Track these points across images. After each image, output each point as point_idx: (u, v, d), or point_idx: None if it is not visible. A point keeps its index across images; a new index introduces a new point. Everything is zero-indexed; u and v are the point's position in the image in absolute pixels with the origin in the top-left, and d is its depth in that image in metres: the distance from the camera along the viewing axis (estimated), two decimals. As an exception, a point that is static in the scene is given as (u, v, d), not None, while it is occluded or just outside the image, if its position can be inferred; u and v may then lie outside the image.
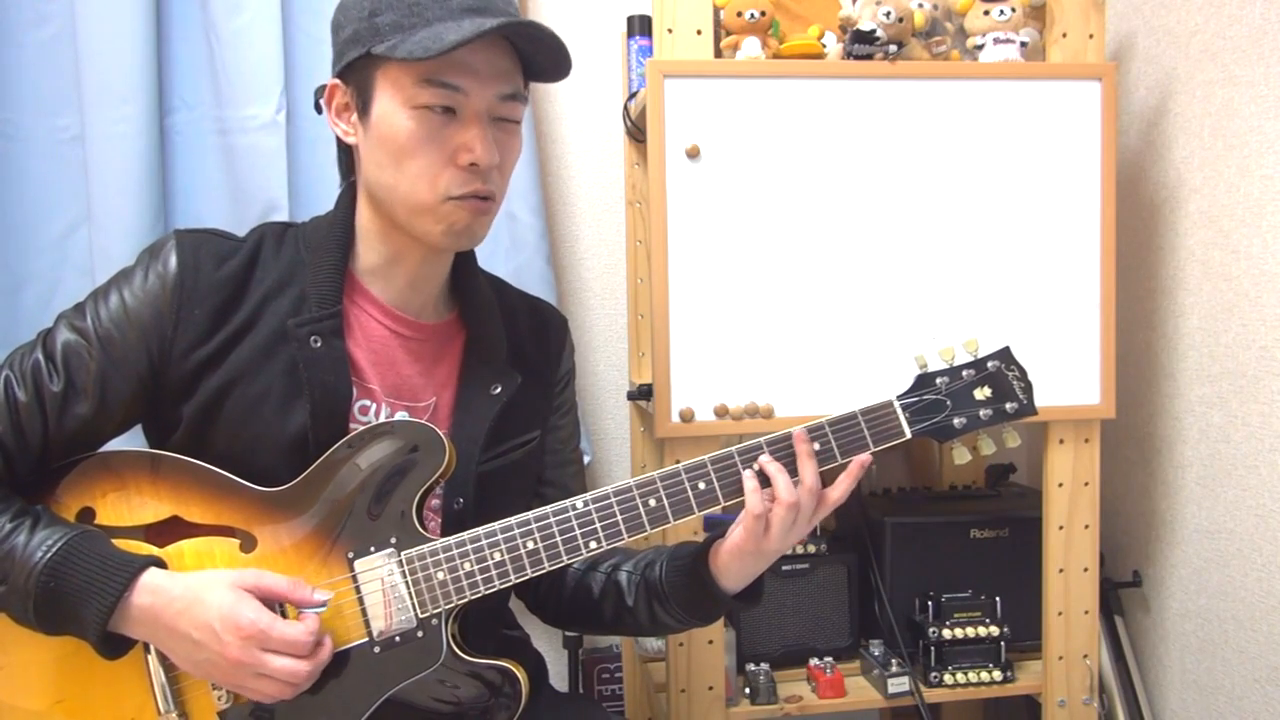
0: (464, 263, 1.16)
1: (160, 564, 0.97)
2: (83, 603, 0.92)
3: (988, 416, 1.06)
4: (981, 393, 1.06)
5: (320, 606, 0.97)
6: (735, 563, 1.06)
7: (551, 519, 1.03)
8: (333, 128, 1.08)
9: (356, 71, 1.03)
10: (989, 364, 1.08)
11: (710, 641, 1.52)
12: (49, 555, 0.92)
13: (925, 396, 1.06)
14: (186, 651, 0.94)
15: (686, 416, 1.47)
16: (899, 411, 1.05)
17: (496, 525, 1.03)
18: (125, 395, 1.01)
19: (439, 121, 1.00)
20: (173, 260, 1.02)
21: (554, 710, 1.23)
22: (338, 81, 1.06)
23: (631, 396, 1.77)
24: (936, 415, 1.05)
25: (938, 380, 1.07)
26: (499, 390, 1.12)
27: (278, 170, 1.70)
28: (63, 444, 1.01)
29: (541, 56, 1.04)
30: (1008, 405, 1.07)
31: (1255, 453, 1.53)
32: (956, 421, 1.05)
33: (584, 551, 1.03)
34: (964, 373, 1.07)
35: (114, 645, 0.95)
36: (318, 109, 1.10)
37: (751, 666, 1.61)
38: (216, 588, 0.94)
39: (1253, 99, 1.52)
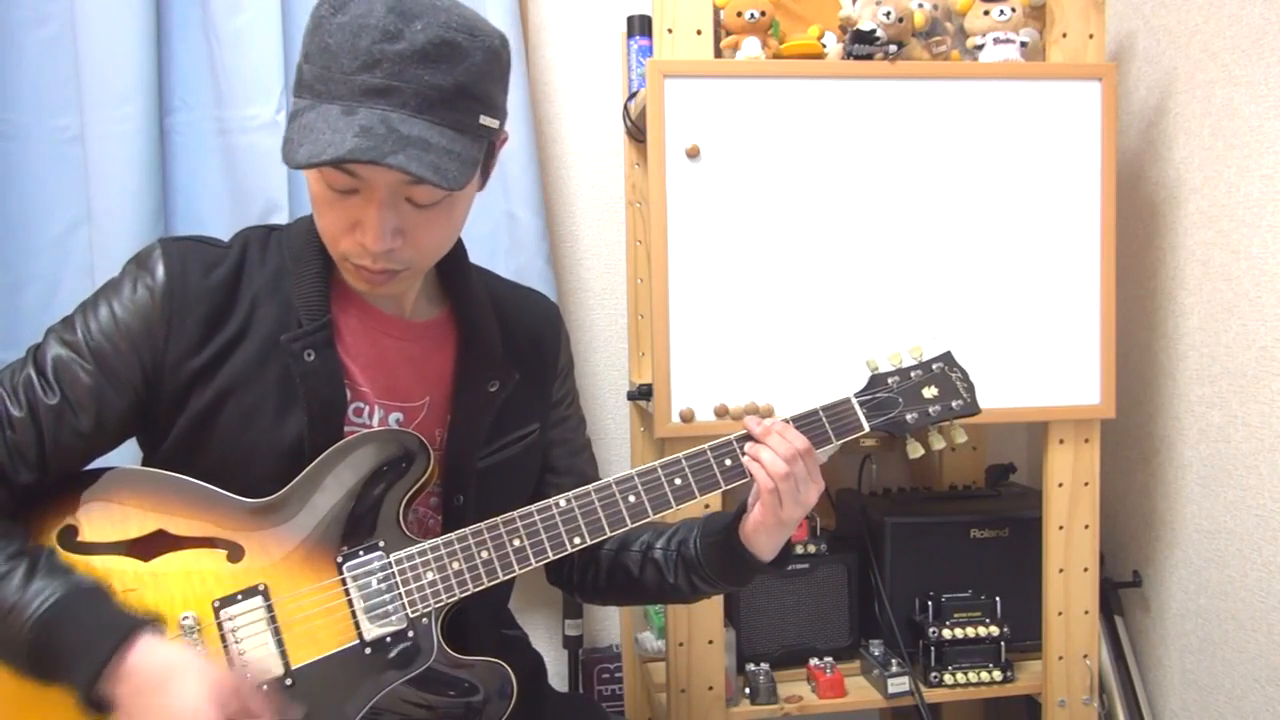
0: (450, 259, 1.10)
1: (155, 626, 0.94)
2: (73, 663, 0.90)
3: (936, 413, 1.15)
4: (929, 391, 1.15)
5: None
6: (762, 536, 1.10)
7: (536, 517, 1.05)
8: None
9: None
10: (934, 366, 1.17)
11: (710, 641, 1.52)
12: (42, 610, 0.90)
13: (878, 394, 1.14)
14: None
15: (686, 416, 1.47)
16: (857, 407, 1.13)
17: (483, 525, 1.04)
18: (121, 408, 1.00)
19: (342, 193, 0.96)
20: (160, 270, 1.01)
21: (554, 710, 1.23)
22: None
23: (631, 396, 1.77)
24: (891, 411, 1.14)
25: (889, 380, 1.15)
26: (496, 387, 1.12)
27: (278, 170, 1.70)
28: (59, 460, 0.99)
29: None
30: (954, 403, 1.15)
31: (1255, 453, 1.53)
32: (909, 417, 1.13)
33: (568, 547, 1.05)
34: (912, 373, 1.16)
35: (101, 703, 0.92)
36: None
37: (751, 666, 1.61)
38: (190, 679, 0.90)
39: (1253, 99, 1.52)
